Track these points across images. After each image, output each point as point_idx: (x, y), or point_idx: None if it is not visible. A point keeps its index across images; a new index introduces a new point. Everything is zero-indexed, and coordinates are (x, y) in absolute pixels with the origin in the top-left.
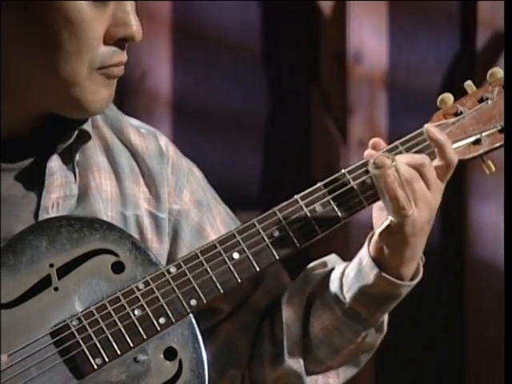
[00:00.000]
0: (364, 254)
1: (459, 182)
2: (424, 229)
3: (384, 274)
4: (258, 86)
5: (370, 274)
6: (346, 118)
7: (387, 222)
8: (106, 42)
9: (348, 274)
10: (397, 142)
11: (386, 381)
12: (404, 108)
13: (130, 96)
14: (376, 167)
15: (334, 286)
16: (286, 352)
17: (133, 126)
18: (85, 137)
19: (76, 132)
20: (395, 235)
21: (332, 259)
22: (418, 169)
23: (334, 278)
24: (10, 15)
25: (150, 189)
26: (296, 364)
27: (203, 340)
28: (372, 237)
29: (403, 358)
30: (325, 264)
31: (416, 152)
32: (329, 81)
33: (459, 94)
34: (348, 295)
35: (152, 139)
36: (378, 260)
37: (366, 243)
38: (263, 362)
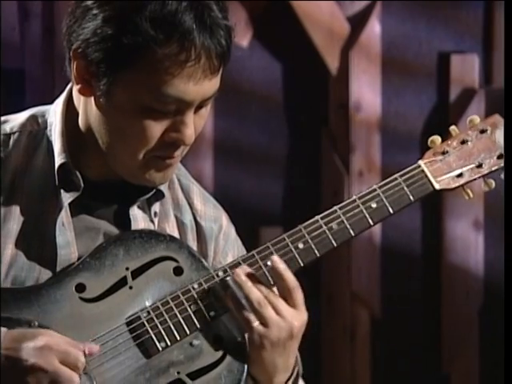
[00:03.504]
0: None
1: (437, 203)
2: (280, 345)
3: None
4: (280, 129)
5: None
6: (349, 154)
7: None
8: (162, 140)
9: None
10: (336, 207)
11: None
12: (394, 147)
13: None
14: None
15: None
16: None
17: (198, 194)
18: (159, 195)
19: (153, 190)
20: (251, 347)
21: None
22: (267, 297)
23: None
24: (97, 88)
25: (201, 244)
26: None
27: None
28: None
29: (391, 345)
30: None
31: (355, 214)
32: (335, 125)
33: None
34: None
35: (211, 206)
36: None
37: None
38: None
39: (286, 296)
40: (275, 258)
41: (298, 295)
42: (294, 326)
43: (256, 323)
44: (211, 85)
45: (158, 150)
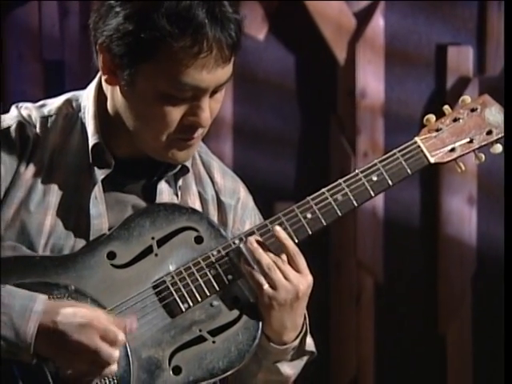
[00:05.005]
0: None
1: (434, 180)
2: (287, 306)
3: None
4: (293, 115)
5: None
6: (355, 136)
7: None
8: (181, 124)
9: None
10: (340, 180)
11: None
12: (396, 130)
13: None
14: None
15: None
16: None
17: (218, 168)
18: (185, 170)
19: (180, 166)
20: (262, 307)
21: None
22: (276, 262)
23: None
24: (122, 78)
25: (221, 214)
26: None
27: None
28: None
29: (392, 308)
30: None
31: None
32: (343, 111)
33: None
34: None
35: (230, 179)
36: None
37: None
38: None
39: (290, 261)
40: (277, 228)
41: (300, 260)
42: (300, 289)
43: (266, 286)
44: (224, 72)
45: (179, 133)
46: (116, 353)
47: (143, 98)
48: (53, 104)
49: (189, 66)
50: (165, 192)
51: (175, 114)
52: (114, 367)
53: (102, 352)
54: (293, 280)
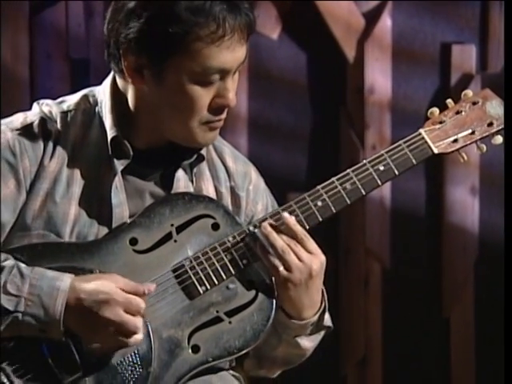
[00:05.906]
0: None
1: (439, 171)
2: (302, 285)
3: (280, 312)
4: (304, 110)
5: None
6: (364, 131)
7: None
8: (210, 107)
9: None
10: (349, 170)
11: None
12: (402, 124)
13: None
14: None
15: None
16: None
17: (230, 154)
18: (200, 158)
19: (196, 154)
20: (279, 288)
21: None
22: (290, 245)
23: None
24: (149, 76)
25: (234, 197)
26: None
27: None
28: None
29: (398, 293)
30: None
31: (360, 171)
32: (352, 106)
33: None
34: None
35: (241, 164)
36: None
37: None
38: None
39: (300, 245)
40: (285, 214)
41: (309, 242)
42: (313, 269)
43: (281, 268)
44: (243, 51)
45: (208, 116)
46: (140, 323)
47: (174, 89)
48: (71, 100)
49: (215, 49)
50: (181, 179)
51: (205, 98)
52: (139, 336)
53: (128, 323)
54: (305, 260)
